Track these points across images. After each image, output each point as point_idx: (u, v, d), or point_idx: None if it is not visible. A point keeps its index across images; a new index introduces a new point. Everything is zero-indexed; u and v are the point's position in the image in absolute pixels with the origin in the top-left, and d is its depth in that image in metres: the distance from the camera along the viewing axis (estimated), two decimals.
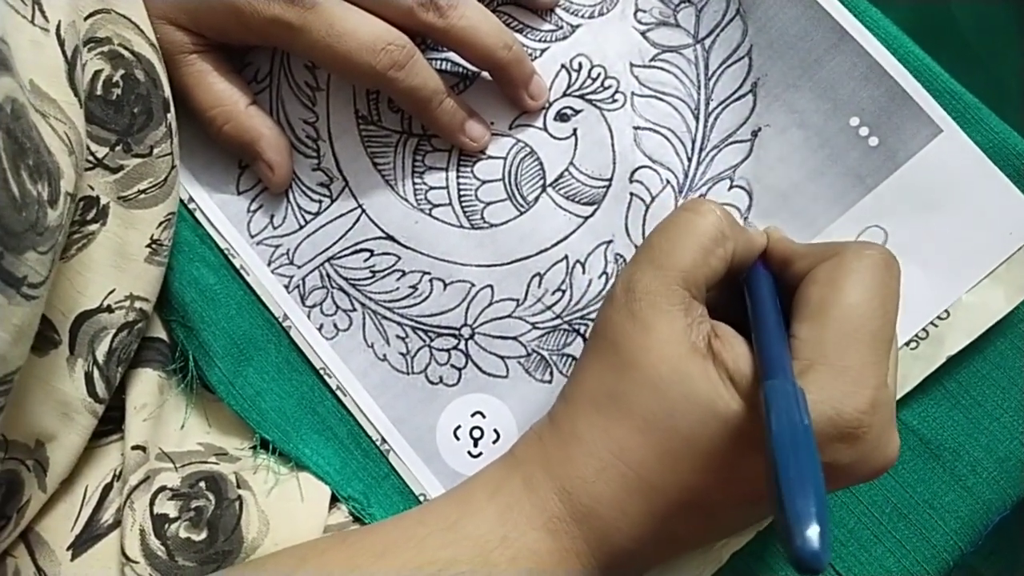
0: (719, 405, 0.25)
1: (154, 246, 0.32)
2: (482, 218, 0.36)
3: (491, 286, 0.35)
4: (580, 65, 0.36)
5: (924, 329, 0.33)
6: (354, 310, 0.36)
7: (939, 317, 0.33)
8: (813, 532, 0.19)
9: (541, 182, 0.35)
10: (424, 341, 0.35)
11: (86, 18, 0.29)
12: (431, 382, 0.35)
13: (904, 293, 0.33)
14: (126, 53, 0.31)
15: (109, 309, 0.30)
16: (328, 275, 0.36)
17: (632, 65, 0.36)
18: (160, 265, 0.33)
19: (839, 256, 0.27)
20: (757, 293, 0.29)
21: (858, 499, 0.33)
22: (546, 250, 0.35)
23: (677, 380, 0.26)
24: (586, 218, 0.35)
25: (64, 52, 0.26)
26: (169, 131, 0.32)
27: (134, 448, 0.32)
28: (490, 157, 0.36)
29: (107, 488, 0.32)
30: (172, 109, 0.32)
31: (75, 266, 0.30)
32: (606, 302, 0.29)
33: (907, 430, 0.33)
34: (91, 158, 0.30)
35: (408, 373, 0.35)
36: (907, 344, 0.33)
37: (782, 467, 0.21)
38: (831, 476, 0.25)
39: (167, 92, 0.32)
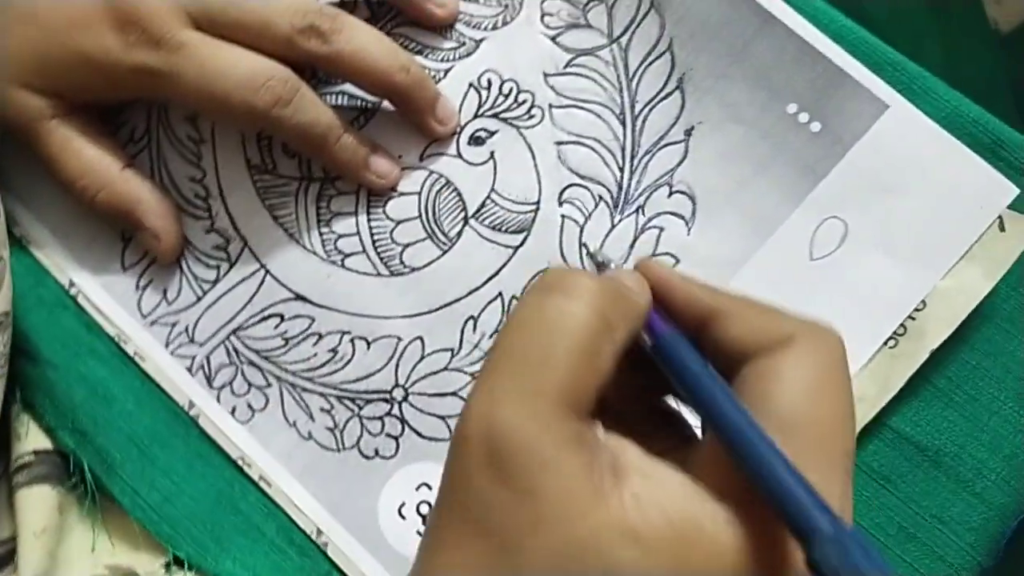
0: None
1: None
2: (401, 262, 0.32)
3: (421, 338, 0.31)
4: (489, 82, 0.32)
5: (902, 324, 0.30)
6: (269, 386, 0.31)
7: (916, 309, 0.30)
8: None
9: (462, 214, 0.32)
10: (352, 411, 0.31)
11: None
12: (366, 456, 0.31)
13: (875, 287, 0.30)
14: None
15: None
16: (235, 349, 0.32)
17: (546, 75, 0.32)
18: None
19: (793, 347, 0.20)
20: (703, 384, 0.20)
21: (857, 522, 0.29)
22: (477, 289, 0.31)
23: (593, 556, 0.18)
24: (516, 248, 0.31)
25: None
26: None
27: None
28: (402, 194, 0.32)
29: None
30: None
31: None
32: (458, 454, 0.19)
33: (900, 438, 0.30)
34: None
35: (339, 450, 0.31)
36: (885, 344, 0.29)
37: None
38: None
39: None
